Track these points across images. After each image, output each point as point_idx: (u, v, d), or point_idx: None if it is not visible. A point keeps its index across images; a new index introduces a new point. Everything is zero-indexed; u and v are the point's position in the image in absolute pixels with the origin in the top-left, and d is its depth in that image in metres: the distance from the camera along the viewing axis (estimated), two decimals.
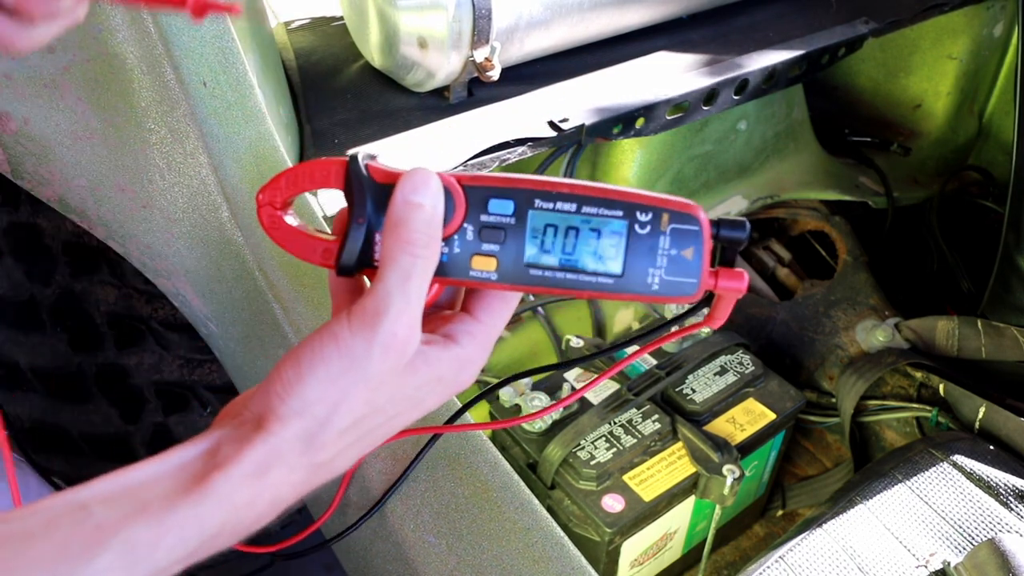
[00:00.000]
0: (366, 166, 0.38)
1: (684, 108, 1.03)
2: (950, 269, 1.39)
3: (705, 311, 0.41)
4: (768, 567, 0.76)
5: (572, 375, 0.98)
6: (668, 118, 1.02)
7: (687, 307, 0.47)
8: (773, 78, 1.09)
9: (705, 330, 1.01)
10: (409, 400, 0.37)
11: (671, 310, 1.03)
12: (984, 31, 1.39)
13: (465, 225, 0.38)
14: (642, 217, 0.37)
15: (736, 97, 1.07)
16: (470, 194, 0.38)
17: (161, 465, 0.33)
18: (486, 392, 0.60)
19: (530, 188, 0.37)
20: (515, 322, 1.20)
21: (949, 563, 0.75)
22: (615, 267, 0.37)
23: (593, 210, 0.37)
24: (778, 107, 1.32)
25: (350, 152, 0.38)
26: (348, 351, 0.34)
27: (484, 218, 0.38)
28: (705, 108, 1.05)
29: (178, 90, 0.64)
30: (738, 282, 0.38)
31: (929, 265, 1.43)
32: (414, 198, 0.36)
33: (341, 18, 1.20)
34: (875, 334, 1.14)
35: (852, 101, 1.55)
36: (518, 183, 0.37)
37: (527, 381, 0.93)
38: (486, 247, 0.38)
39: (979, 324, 1.06)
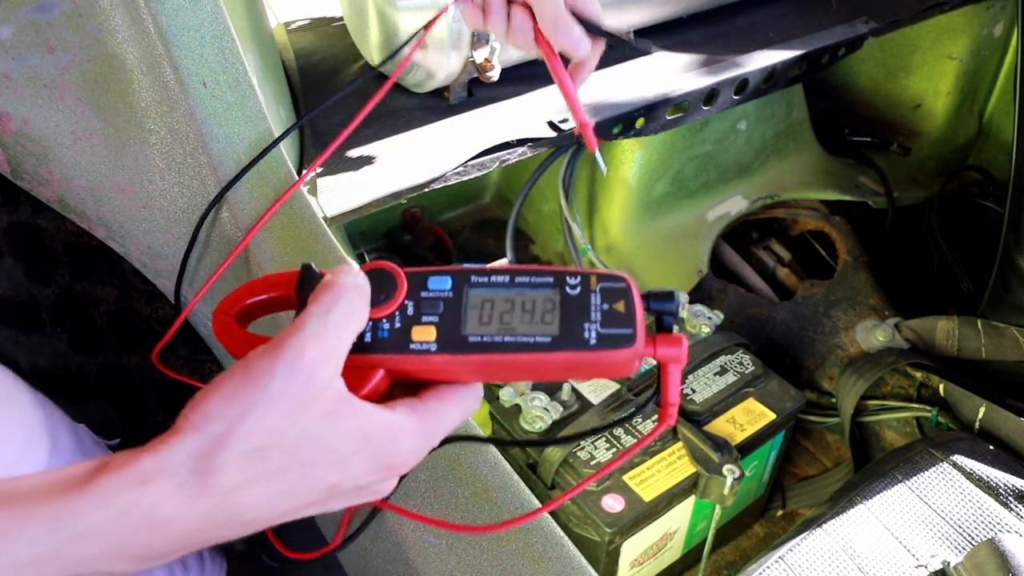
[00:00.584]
0: (319, 272, 0.40)
1: (684, 108, 1.03)
2: (950, 269, 1.39)
3: (653, 415, 0.43)
4: (768, 567, 0.76)
5: None
6: (668, 118, 1.02)
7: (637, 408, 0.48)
8: (773, 78, 1.09)
9: (705, 329, 1.01)
10: (328, 450, 0.35)
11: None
12: (984, 31, 1.39)
13: (406, 302, 0.40)
14: (571, 281, 0.40)
15: (736, 97, 1.07)
16: (411, 277, 0.40)
17: (58, 473, 0.32)
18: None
19: (466, 271, 0.40)
20: None
21: (949, 563, 0.75)
22: (552, 327, 0.38)
23: (525, 279, 0.40)
24: (778, 107, 1.32)
25: (304, 263, 0.41)
26: (252, 368, 0.33)
27: (423, 294, 0.40)
28: (705, 108, 1.05)
29: (178, 90, 0.64)
30: (677, 347, 0.40)
31: (929, 265, 1.43)
32: (342, 274, 0.38)
33: (341, 18, 1.20)
34: (875, 334, 1.14)
35: (852, 101, 1.55)
36: (456, 268, 0.41)
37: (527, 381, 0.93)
38: (426, 318, 0.39)
39: (979, 324, 1.06)
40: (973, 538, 0.78)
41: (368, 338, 0.39)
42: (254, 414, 0.32)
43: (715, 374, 0.97)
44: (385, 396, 0.40)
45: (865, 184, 1.42)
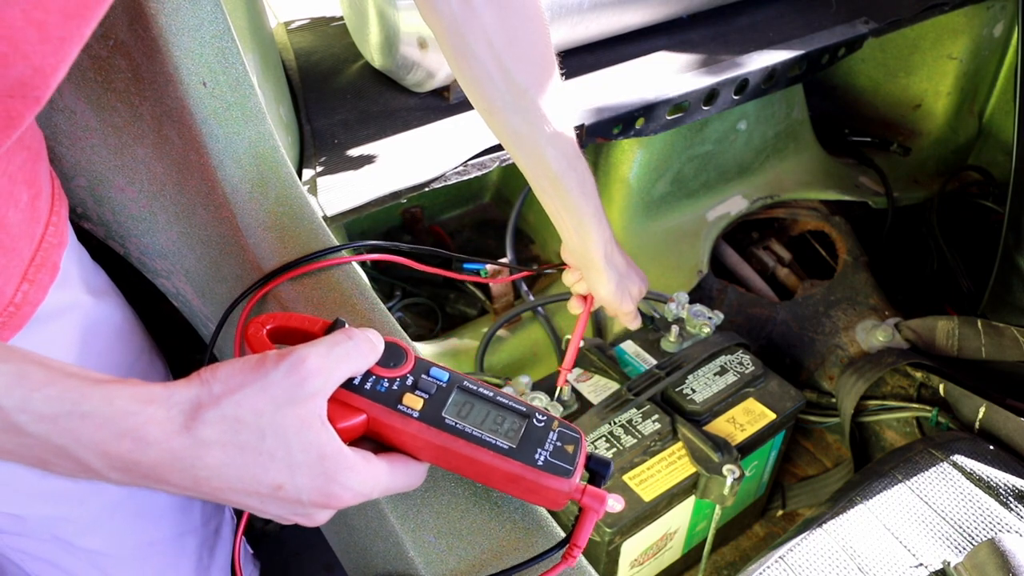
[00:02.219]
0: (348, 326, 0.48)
1: (684, 108, 1.03)
2: (950, 269, 1.39)
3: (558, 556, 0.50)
4: (768, 567, 0.76)
5: (573, 375, 0.98)
6: (668, 118, 1.02)
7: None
8: (773, 78, 1.09)
9: (705, 329, 1.01)
10: (286, 450, 0.40)
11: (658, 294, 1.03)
12: (984, 31, 1.39)
13: (408, 375, 0.48)
14: (539, 417, 0.48)
15: (736, 97, 1.07)
16: (419, 361, 0.49)
17: (76, 367, 0.38)
18: None
19: (462, 375, 0.49)
20: (515, 322, 1.20)
21: (949, 563, 0.75)
22: (513, 439, 0.47)
23: (505, 401, 0.48)
24: (778, 107, 1.32)
25: (338, 319, 0.49)
26: (264, 358, 0.40)
27: (423, 376, 0.49)
28: (705, 108, 1.05)
29: (178, 90, 0.64)
30: (599, 502, 0.48)
31: (929, 265, 1.43)
32: (365, 329, 0.46)
33: (341, 18, 1.20)
34: (875, 334, 1.14)
35: (852, 101, 1.55)
36: (455, 371, 0.49)
37: (527, 380, 0.93)
38: (418, 392, 0.47)
39: (979, 324, 1.06)
40: (973, 538, 0.78)
41: (368, 386, 0.46)
42: (248, 389, 0.39)
43: (715, 374, 0.97)
44: (354, 440, 0.47)
45: (865, 184, 1.42)
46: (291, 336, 0.49)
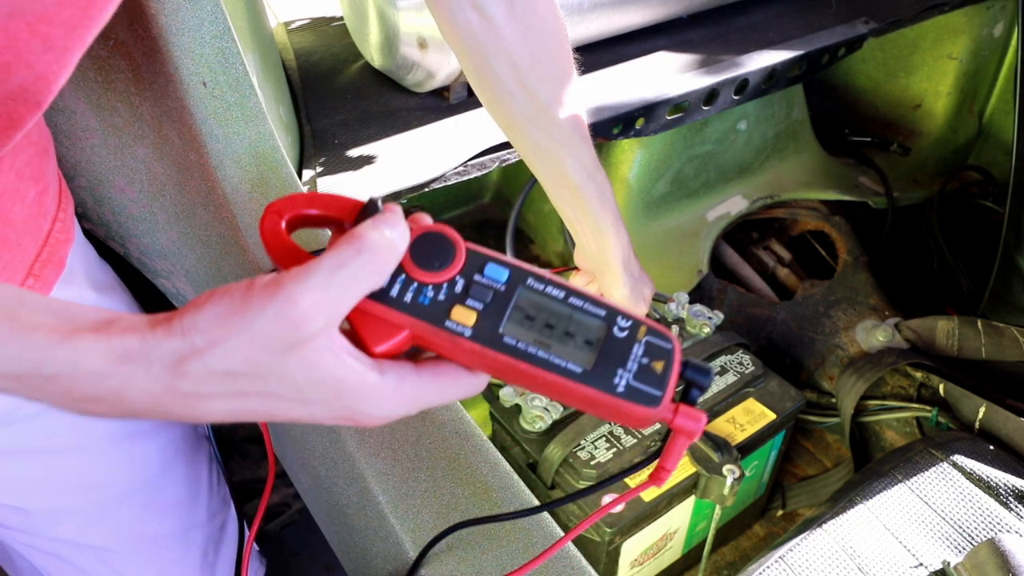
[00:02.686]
0: (383, 210, 0.39)
1: (684, 108, 1.03)
2: (950, 269, 1.39)
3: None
4: (768, 567, 0.76)
5: None
6: (668, 118, 1.02)
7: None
8: (773, 78, 1.09)
9: (705, 329, 1.01)
10: (296, 391, 0.36)
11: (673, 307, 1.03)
12: (984, 31, 1.39)
13: (457, 278, 0.38)
14: (622, 323, 0.38)
15: (736, 97, 1.07)
16: (471, 255, 0.39)
17: (57, 303, 0.34)
18: None
19: (527, 269, 0.39)
20: None
21: (949, 563, 0.75)
22: (587, 359, 0.38)
23: (579, 303, 0.39)
24: (778, 107, 1.32)
25: (371, 196, 0.39)
26: (249, 299, 0.34)
27: (477, 277, 0.39)
28: (705, 108, 1.05)
29: (178, 90, 0.64)
30: (695, 422, 0.39)
31: (929, 265, 1.43)
32: (380, 223, 0.37)
33: (341, 18, 1.20)
34: (875, 334, 1.14)
35: (852, 101, 1.55)
36: (517, 263, 0.39)
37: None
38: (470, 302, 0.38)
39: (979, 324, 1.06)
40: (973, 538, 0.78)
41: (408, 297, 0.38)
42: (232, 341, 0.33)
43: (715, 374, 0.97)
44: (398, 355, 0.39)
45: (865, 184, 1.42)
46: (315, 222, 0.41)
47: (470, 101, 1.00)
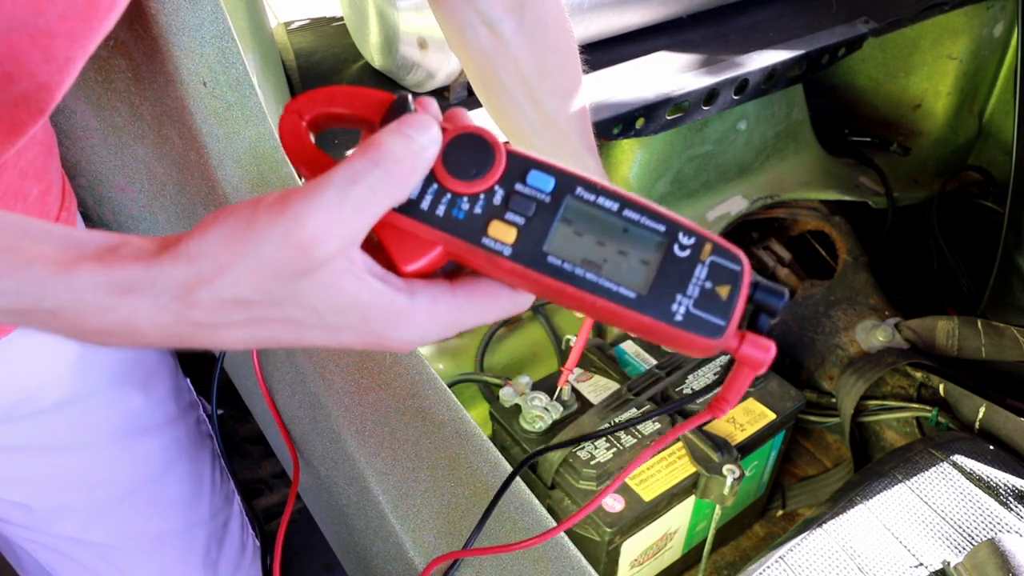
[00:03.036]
0: (414, 108, 0.35)
1: (684, 108, 1.03)
2: (950, 269, 1.39)
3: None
4: (768, 567, 0.76)
5: (573, 375, 0.98)
6: (668, 118, 1.02)
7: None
8: (773, 78, 1.09)
9: None
10: (318, 317, 0.33)
11: None
12: (984, 31, 1.39)
13: (496, 187, 0.34)
14: (684, 239, 0.34)
15: (736, 97, 1.07)
16: (512, 159, 0.34)
17: (59, 229, 0.32)
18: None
19: (576, 176, 0.34)
20: (515, 322, 1.20)
21: (949, 563, 0.75)
22: (641, 282, 0.33)
23: (635, 216, 0.34)
24: (778, 107, 1.32)
25: (401, 93, 0.35)
26: (252, 221, 0.30)
27: (519, 186, 0.34)
28: (705, 108, 1.05)
29: (178, 90, 0.64)
30: (763, 352, 0.34)
31: (929, 265, 1.43)
32: (407, 129, 0.33)
33: (341, 18, 1.20)
34: (875, 334, 1.14)
35: (852, 101, 1.55)
36: (566, 169, 0.34)
37: (526, 380, 0.93)
38: (510, 216, 0.33)
39: (979, 324, 1.06)
40: (973, 538, 0.78)
41: (440, 210, 0.34)
42: (239, 267, 0.31)
43: (715, 374, 0.97)
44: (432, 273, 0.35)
45: (865, 184, 1.42)
46: (341, 121, 0.37)
47: (470, 101, 1.00)
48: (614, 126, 0.97)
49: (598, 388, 0.96)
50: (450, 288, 0.35)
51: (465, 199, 0.34)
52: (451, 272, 0.36)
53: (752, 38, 1.14)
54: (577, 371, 0.98)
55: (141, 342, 0.33)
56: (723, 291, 0.33)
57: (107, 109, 0.67)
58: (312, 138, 0.36)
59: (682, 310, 0.33)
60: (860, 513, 0.80)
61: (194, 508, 0.77)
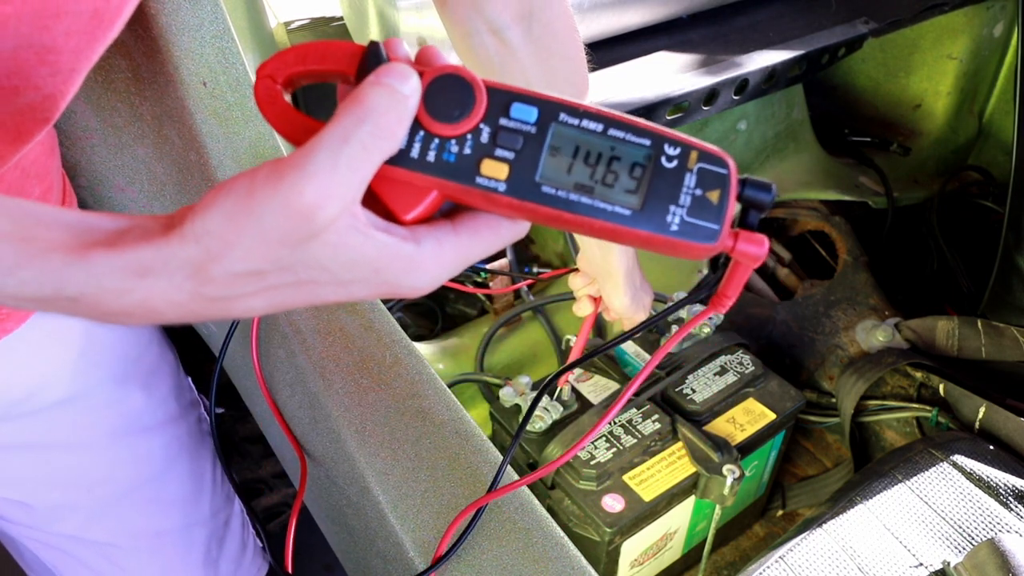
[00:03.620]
0: (387, 56, 0.34)
1: (684, 108, 1.03)
2: (950, 269, 1.39)
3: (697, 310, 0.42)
4: (768, 567, 0.76)
5: (573, 375, 0.98)
6: (668, 118, 1.02)
7: (690, 297, 0.47)
8: (773, 78, 1.09)
9: (705, 329, 1.01)
10: (330, 274, 0.33)
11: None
12: (984, 31, 1.39)
13: (481, 126, 0.34)
14: (670, 151, 0.34)
15: (736, 97, 1.07)
16: (492, 95, 0.34)
17: (70, 216, 0.33)
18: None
19: (558, 101, 0.35)
20: (515, 322, 1.20)
21: (949, 563, 0.75)
22: (634, 199, 0.34)
23: (620, 135, 0.34)
24: (778, 107, 1.32)
25: (372, 40, 0.34)
26: (254, 192, 0.31)
27: (503, 121, 0.34)
28: (705, 108, 1.05)
29: (178, 90, 0.64)
30: (758, 247, 0.35)
31: (929, 265, 1.43)
32: (386, 79, 0.32)
33: (341, 18, 1.20)
34: (875, 334, 1.14)
35: (852, 101, 1.55)
36: (546, 96, 0.35)
37: (527, 380, 0.93)
38: (500, 152, 0.34)
39: (979, 324, 1.06)
40: (973, 538, 0.78)
41: (431, 157, 0.34)
42: (246, 241, 0.31)
43: (715, 374, 0.97)
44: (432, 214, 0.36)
45: (865, 184, 1.42)
46: (315, 78, 0.37)
47: None
48: None
49: (598, 388, 0.96)
50: (452, 228, 0.35)
51: (453, 141, 0.34)
52: (450, 210, 0.37)
53: (752, 38, 1.14)
54: (577, 371, 0.98)
55: (160, 320, 0.34)
56: (713, 196, 0.34)
57: (107, 109, 0.67)
58: (288, 99, 0.35)
59: (677, 220, 0.34)
60: (860, 513, 0.80)
61: (195, 506, 0.77)
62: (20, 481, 0.65)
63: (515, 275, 1.10)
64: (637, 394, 0.94)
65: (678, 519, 0.93)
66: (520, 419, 0.90)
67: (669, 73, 1.05)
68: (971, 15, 1.36)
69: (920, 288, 1.42)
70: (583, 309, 0.83)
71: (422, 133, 0.34)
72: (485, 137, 0.34)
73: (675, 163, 0.34)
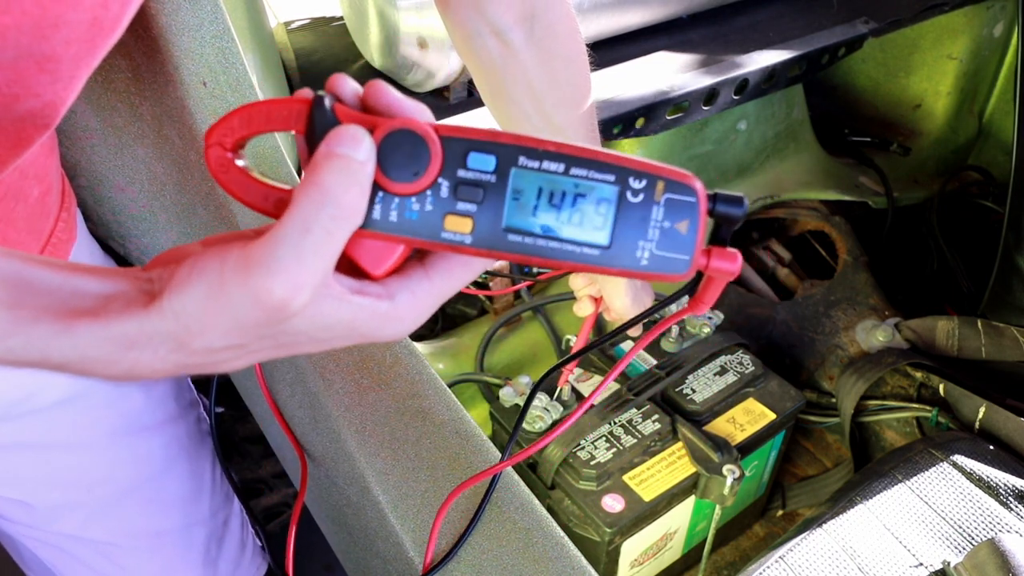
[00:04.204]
0: (332, 109, 0.33)
1: (684, 108, 1.03)
2: (950, 269, 1.39)
3: (686, 299, 0.41)
4: (768, 567, 0.76)
5: (572, 375, 0.98)
6: (668, 118, 1.02)
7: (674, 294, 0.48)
8: (773, 78, 1.09)
9: (705, 329, 1.01)
10: (306, 335, 0.34)
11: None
12: (984, 31, 1.39)
13: (440, 180, 0.33)
14: (635, 184, 0.34)
15: (736, 97, 1.07)
16: (448, 146, 0.34)
17: (57, 278, 0.33)
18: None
19: (515, 144, 0.34)
20: (515, 322, 1.20)
21: (949, 563, 0.75)
22: (602, 237, 0.34)
23: (583, 172, 0.34)
24: (778, 107, 1.32)
25: (317, 93, 0.34)
26: (221, 284, 0.31)
27: (461, 173, 0.33)
28: (705, 108, 1.05)
29: (178, 90, 0.64)
30: (730, 263, 0.35)
31: (929, 265, 1.43)
32: (339, 149, 0.32)
33: (341, 18, 1.20)
34: (875, 334, 1.14)
35: (852, 101, 1.55)
36: (502, 137, 0.34)
37: (527, 380, 0.93)
38: (461, 206, 0.33)
39: (979, 324, 1.06)
40: (973, 538, 0.78)
41: (393, 217, 0.33)
42: (223, 326, 0.32)
43: (715, 374, 0.97)
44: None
45: (865, 184, 1.42)
46: (269, 131, 0.36)
47: (470, 101, 1.00)
48: (614, 126, 0.97)
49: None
50: (425, 274, 0.35)
51: (413, 199, 0.33)
52: (423, 254, 0.37)
53: (752, 38, 1.14)
54: (577, 371, 0.98)
55: (150, 379, 0.35)
56: (682, 227, 0.34)
57: (107, 109, 0.67)
58: (242, 163, 0.35)
59: (646, 255, 0.34)
60: (860, 513, 0.80)
61: (194, 506, 0.77)
62: (20, 481, 0.65)
63: (515, 276, 1.10)
64: (637, 394, 0.94)
65: (678, 519, 0.93)
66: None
67: (669, 73, 1.05)
68: (971, 15, 1.36)
69: (920, 288, 1.42)
70: (584, 309, 0.83)
71: (382, 194, 0.33)
72: (445, 192, 0.34)
73: (641, 196, 0.34)
